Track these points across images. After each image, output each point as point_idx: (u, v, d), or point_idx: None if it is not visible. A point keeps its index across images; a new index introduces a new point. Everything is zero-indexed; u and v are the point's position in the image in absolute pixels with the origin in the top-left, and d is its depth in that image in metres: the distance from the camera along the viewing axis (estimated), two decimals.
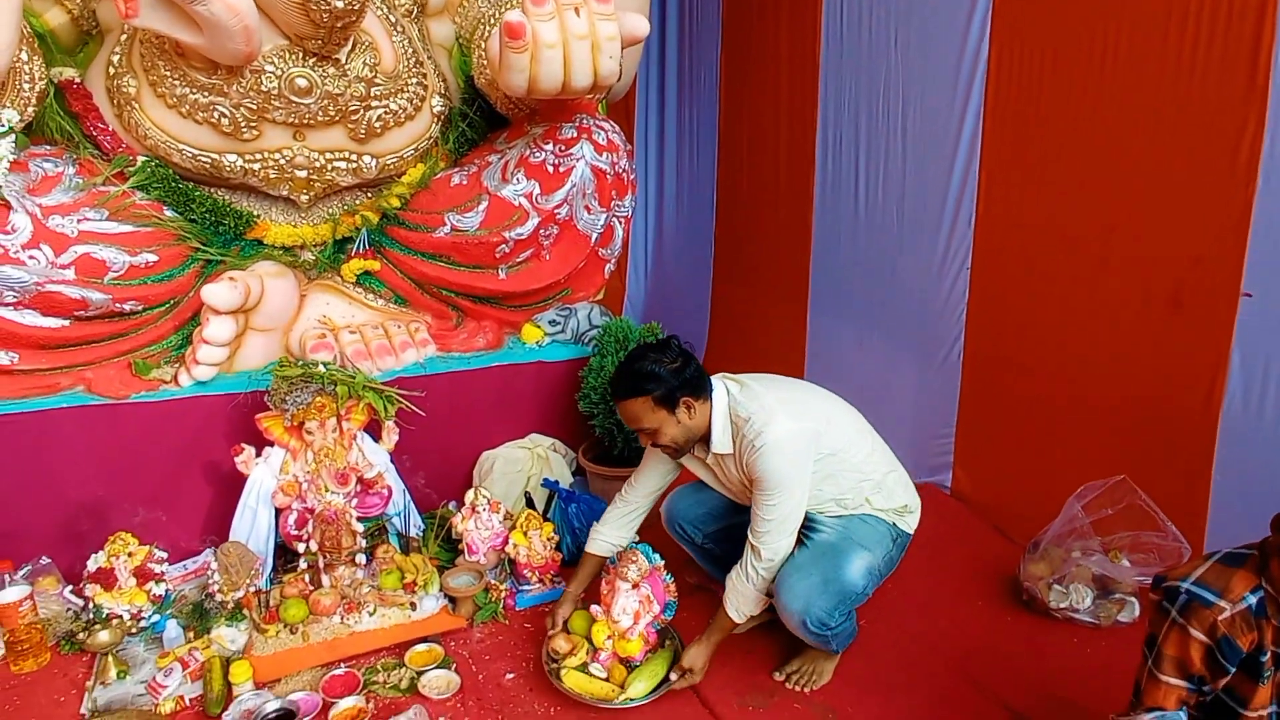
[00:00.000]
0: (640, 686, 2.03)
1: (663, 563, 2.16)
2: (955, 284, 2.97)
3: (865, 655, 2.23)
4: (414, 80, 2.78)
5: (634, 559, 2.13)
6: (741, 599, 2.03)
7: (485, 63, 2.83)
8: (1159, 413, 2.38)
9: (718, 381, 2.08)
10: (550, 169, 2.82)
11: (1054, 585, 2.36)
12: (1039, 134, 2.61)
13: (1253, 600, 1.34)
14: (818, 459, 2.03)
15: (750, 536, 2.02)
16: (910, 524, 2.18)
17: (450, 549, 2.63)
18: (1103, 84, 2.41)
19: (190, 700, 2.01)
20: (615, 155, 2.93)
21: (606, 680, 2.06)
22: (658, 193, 4.84)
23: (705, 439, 2.07)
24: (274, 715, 1.85)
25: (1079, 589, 2.34)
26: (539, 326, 3.07)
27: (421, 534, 2.66)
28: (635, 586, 2.14)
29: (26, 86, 2.36)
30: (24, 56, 2.33)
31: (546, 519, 2.65)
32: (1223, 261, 2.19)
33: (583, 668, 2.09)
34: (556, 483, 2.83)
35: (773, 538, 1.98)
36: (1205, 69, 2.16)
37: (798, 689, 2.10)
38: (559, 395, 3.05)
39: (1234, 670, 1.36)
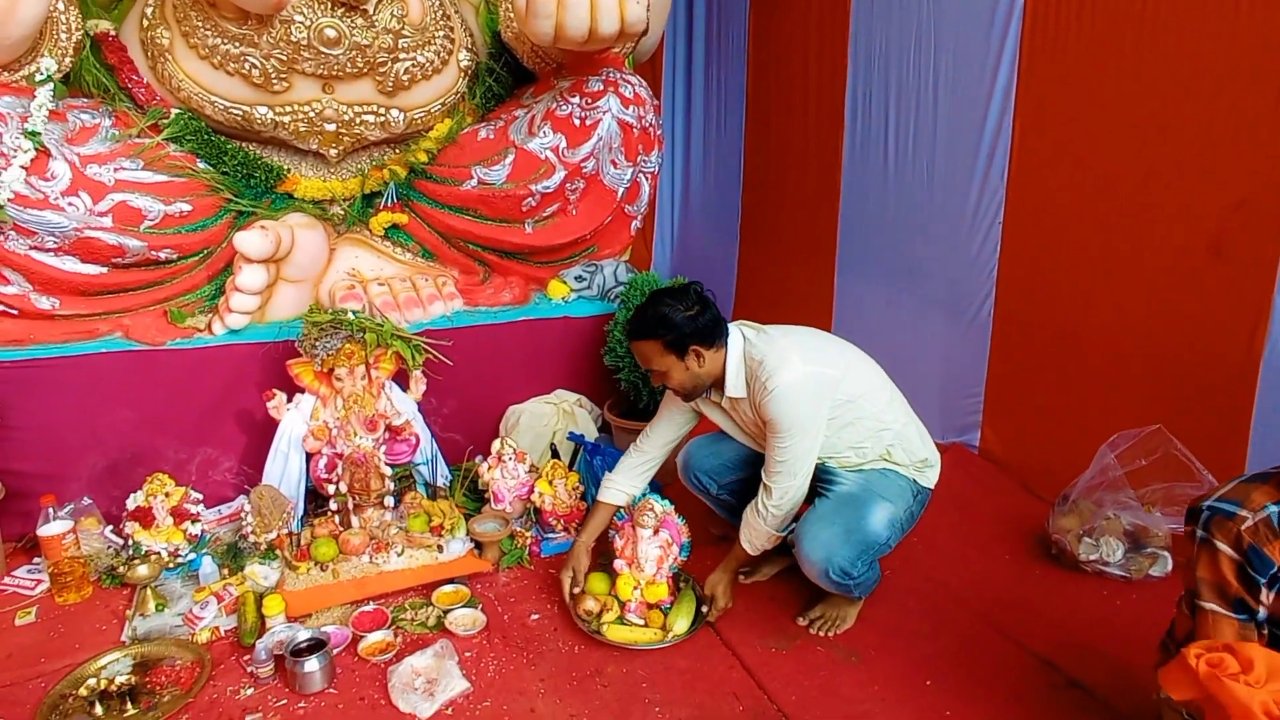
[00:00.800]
0: (682, 624, 2.08)
1: (673, 506, 2.19)
2: (986, 239, 2.92)
3: (889, 602, 2.23)
4: (441, 34, 2.79)
5: (650, 506, 2.16)
6: (754, 533, 2.08)
7: (512, 15, 2.83)
8: (1196, 364, 2.32)
9: (734, 328, 2.09)
10: (577, 122, 2.81)
11: (1084, 538, 2.33)
12: (1077, 80, 2.55)
13: (1274, 510, 1.32)
14: (835, 405, 2.03)
15: (764, 476, 2.04)
16: (930, 479, 2.16)
17: (477, 500, 2.66)
18: (1143, 25, 2.34)
19: (225, 631, 2.06)
20: (642, 109, 2.91)
21: (645, 626, 2.09)
22: (684, 155, 4.81)
23: (720, 384, 2.08)
24: (305, 644, 1.90)
25: (1109, 542, 2.30)
26: (565, 283, 3.08)
27: (448, 484, 2.70)
28: (655, 532, 2.16)
29: (64, 37, 2.41)
30: (60, 7, 2.38)
31: (572, 471, 2.67)
32: (1266, 206, 2.12)
33: (619, 619, 2.11)
34: (582, 436, 2.85)
35: (783, 479, 2.00)
36: (1250, 6, 2.09)
37: (820, 634, 2.10)
38: (585, 351, 3.06)
39: (1266, 584, 1.32)
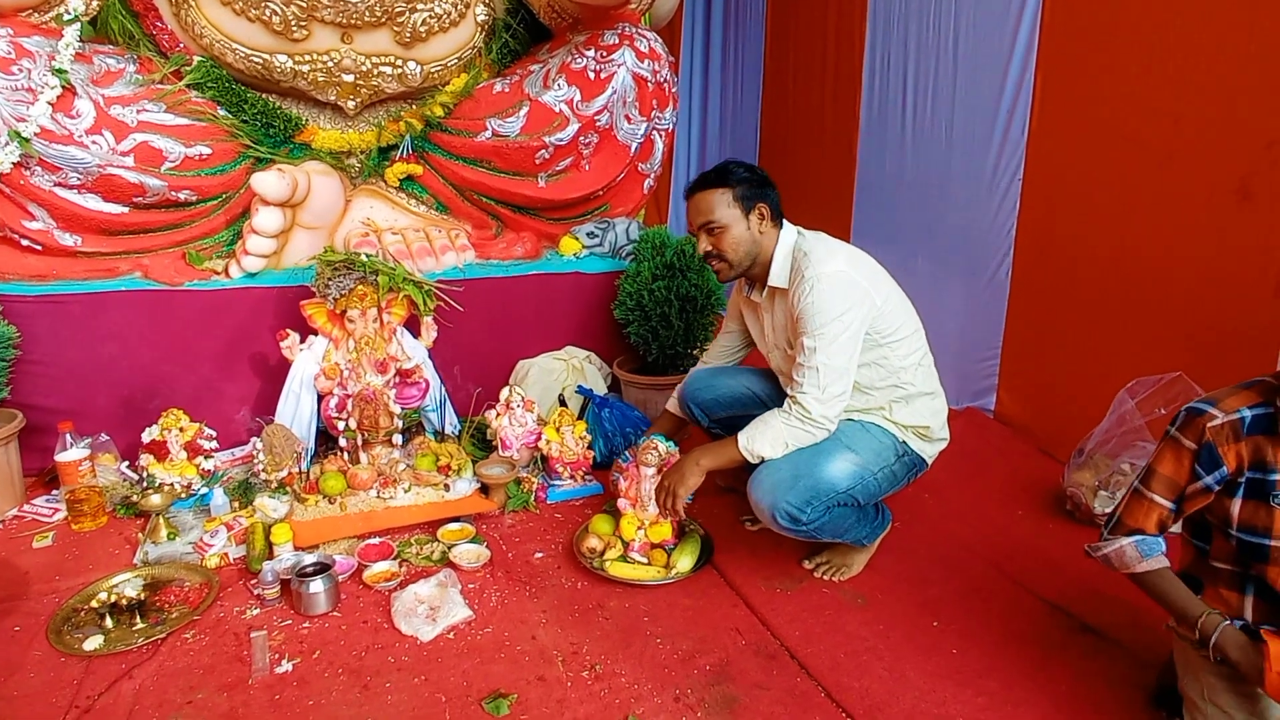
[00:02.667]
0: (685, 562, 2.07)
1: (677, 447, 2.18)
2: (1006, 197, 2.87)
3: (898, 551, 2.20)
4: None
5: (654, 446, 2.15)
6: (763, 433, 1.90)
7: None
8: (1219, 312, 2.26)
9: (789, 224, 2.04)
10: (591, 75, 2.82)
11: (1099, 491, 2.28)
12: (1101, 29, 2.50)
13: (1248, 414, 1.30)
14: (864, 336, 1.91)
15: (788, 389, 1.94)
16: (924, 449, 2.04)
17: (484, 449, 2.67)
18: None
19: (234, 559, 2.09)
20: (657, 64, 2.91)
21: (649, 565, 2.09)
22: (701, 122, 4.80)
23: (764, 278, 2.02)
24: (311, 568, 1.91)
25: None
26: (577, 239, 3.09)
27: (456, 432, 2.71)
28: (658, 472, 2.15)
29: None
30: None
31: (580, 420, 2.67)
32: None
33: (622, 558, 2.11)
34: (590, 390, 2.85)
35: (809, 396, 1.85)
36: None
37: (825, 578, 2.08)
38: (595, 308, 3.07)
39: (1208, 485, 1.33)
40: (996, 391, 3.05)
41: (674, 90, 3.04)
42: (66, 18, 2.39)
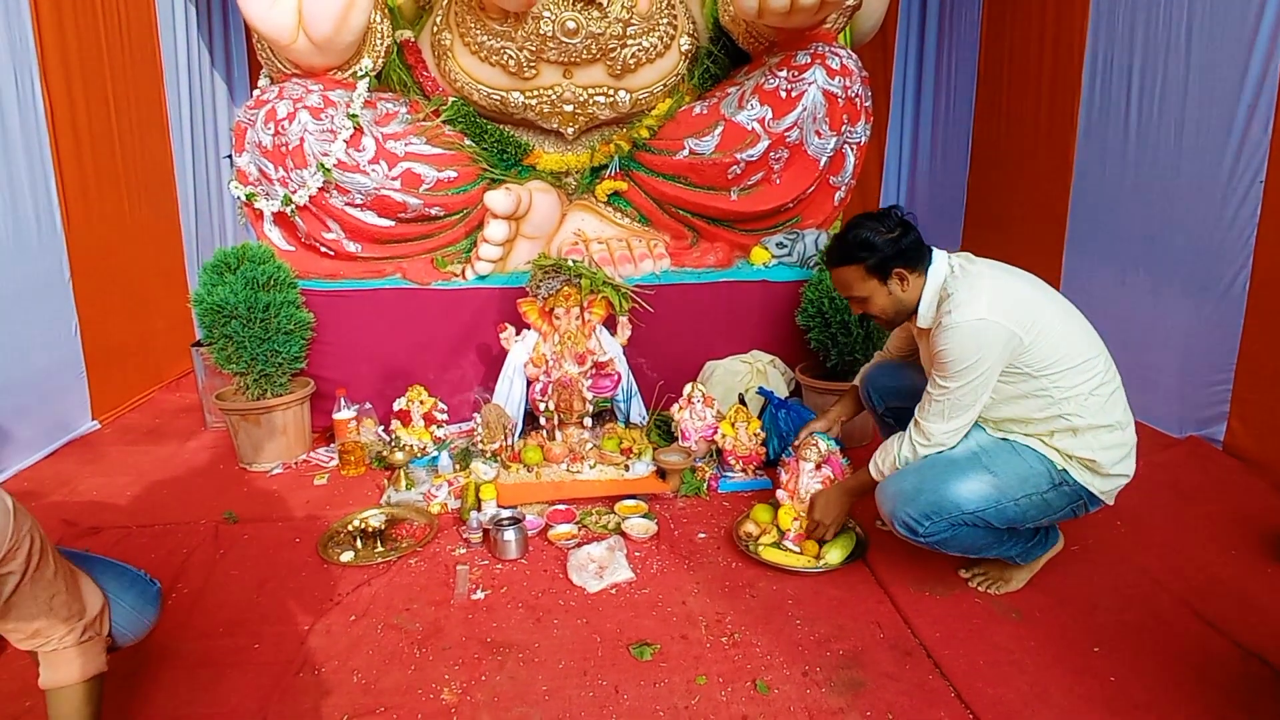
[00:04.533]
0: (836, 554, 2.17)
1: (840, 447, 2.25)
2: (1244, 202, 2.58)
3: (1070, 573, 2.10)
4: (665, 21, 3.11)
5: (814, 443, 2.25)
6: (885, 458, 2.03)
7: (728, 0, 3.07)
8: None
9: (943, 258, 1.98)
10: (783, 94, 2.98)
11: None
12: None
13: None
14: (1008, 371, 1.87)
15: (916, 411, 1.99)
16: (1093, 483, 1.90)
17: (668, 439, 2.92)
18: None
19: (451, 509, 2.54)
20: (848, 80, 2.99)
21: (800, 555, 2.21)
22: (913, 140, 4.72)
23: (916, 310, 2.00)
24: (507, 519, 2.28)
25: None
26: (766, 249, 3.24)
27: (643, 422, 2.99)
28: (818, 468, 2.25)
29: (379, 42, 3.10)
30: (377, 18, 3.06)
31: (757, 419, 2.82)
32: None
33: (776, 544, 2.24)
34: (771, 391, 2.99)
35: (932, 422, 1.92)
36: None
37: (981, 589, 2.05)
38: (781, 315, 3.20)
39: None
40: (1228, 420, 2.72)
41: (867, 104, 3.10)
42: (360, 74, 3.03)
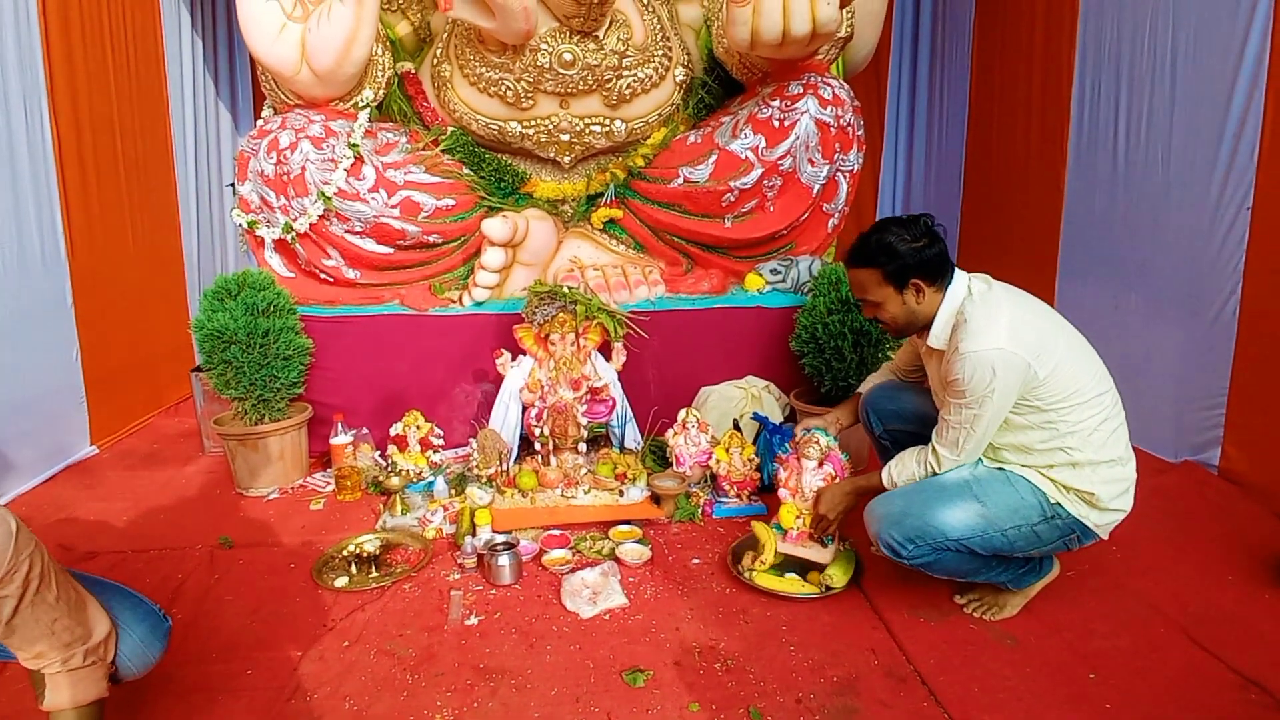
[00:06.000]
0: (839, 576, 2.16)
1: (838, 443, 2.27)
2: (1232, 228, 2.61)
3: (1065, 599, 2.10)
4: (660, 52, 3.18)
5: (814, 440, 2.25)
6: (900, 470, 2.04)
7: (721, 32, 3.13)
8: None
9: (963, 278, 1.94)
10: (776, 123, 3.03)
11: None
12: None
13: None
14: (1021, 402, 1.86)
15: (933, 434, 1.98)
16: (1088, 516, 1.89)
17: (663, 465, 2.93)
18: None
19: (446, 533, 2.54)
20: (840, 109, 3.04)
21: (794, 581, 2.20)
22: (906, 167, 4.78)
23: (928, 327, 1.96)
24: (501, 545, 2.28)
25: None
26: (761, 275, 3.28)
27: (638, 447, 3.00)
28: (820, 465, 2.26)
29: (379, 73, 3.16)
30: (379, 51, 3.13)
31: (751, 444, 2.83)
32: None
33: (773, 570, 2.23)
34: (766, 417, 3.00)
35: (945, 448, 1.94)
36: None
37: (976, 615, 2.05)
38: (775, 341, 3.22)
39: None
40: (1222, 445, 2.72)
41: (859, 133, 3.15)
42: (361, 104, 3.09)
